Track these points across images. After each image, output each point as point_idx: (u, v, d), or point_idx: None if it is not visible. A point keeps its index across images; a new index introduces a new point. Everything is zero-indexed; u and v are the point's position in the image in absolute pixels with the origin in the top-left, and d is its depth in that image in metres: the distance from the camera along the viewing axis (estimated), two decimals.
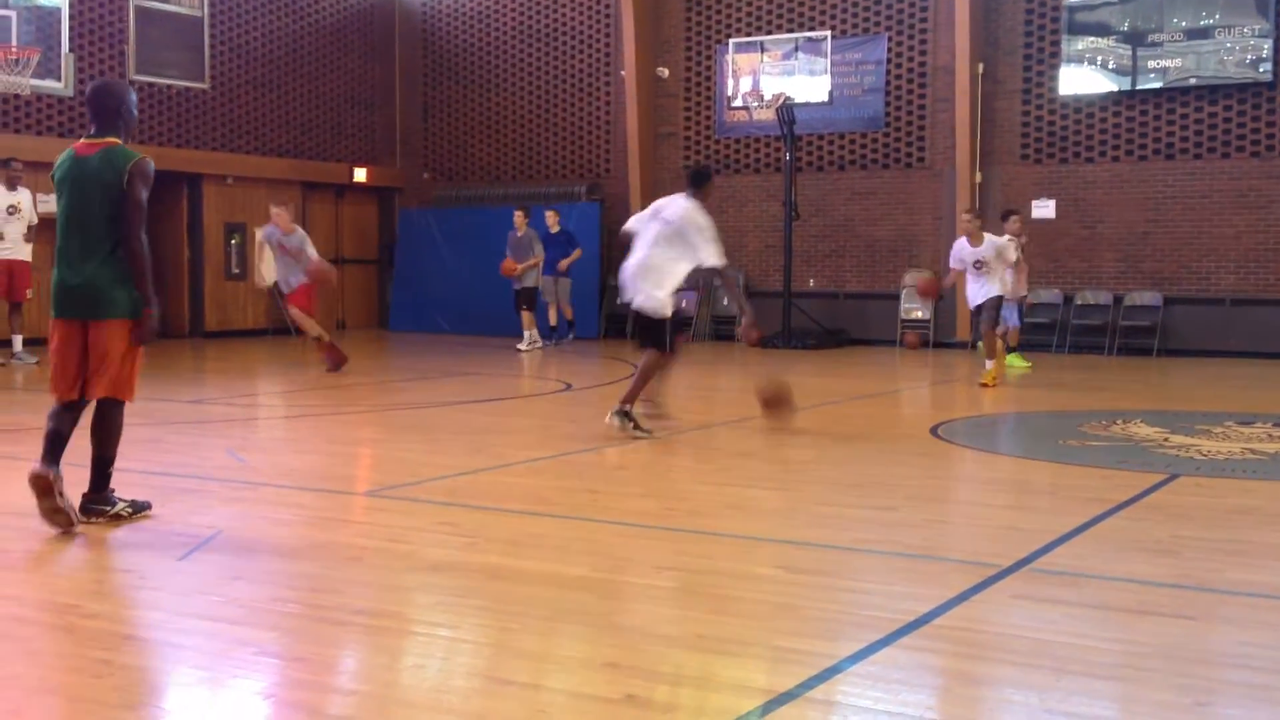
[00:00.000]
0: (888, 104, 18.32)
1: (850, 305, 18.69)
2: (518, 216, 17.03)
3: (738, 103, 19.33)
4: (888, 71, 18.30)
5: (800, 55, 18.83)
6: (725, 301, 19.24)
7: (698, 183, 9.08)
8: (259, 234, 14.88)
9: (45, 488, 5.64)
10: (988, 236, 12.67)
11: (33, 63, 15.78)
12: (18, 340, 14.17)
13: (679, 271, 8.91)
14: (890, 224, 18.35)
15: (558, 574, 4.99)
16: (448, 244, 20.80)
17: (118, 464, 6.05)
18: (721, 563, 5.24)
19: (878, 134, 18.44)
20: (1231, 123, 16.26)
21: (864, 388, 12.54)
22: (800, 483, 7.34)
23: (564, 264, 17.58)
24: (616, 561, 5.20)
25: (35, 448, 8.37)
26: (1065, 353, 16.44)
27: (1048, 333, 17.03)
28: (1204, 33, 16.21)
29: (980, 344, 13.45)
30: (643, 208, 20.80)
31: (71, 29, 17.26)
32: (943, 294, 13.99)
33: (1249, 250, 16.23)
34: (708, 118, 19.70)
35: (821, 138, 18.78)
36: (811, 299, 18.51)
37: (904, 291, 18.02)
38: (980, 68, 17.51)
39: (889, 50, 18.27)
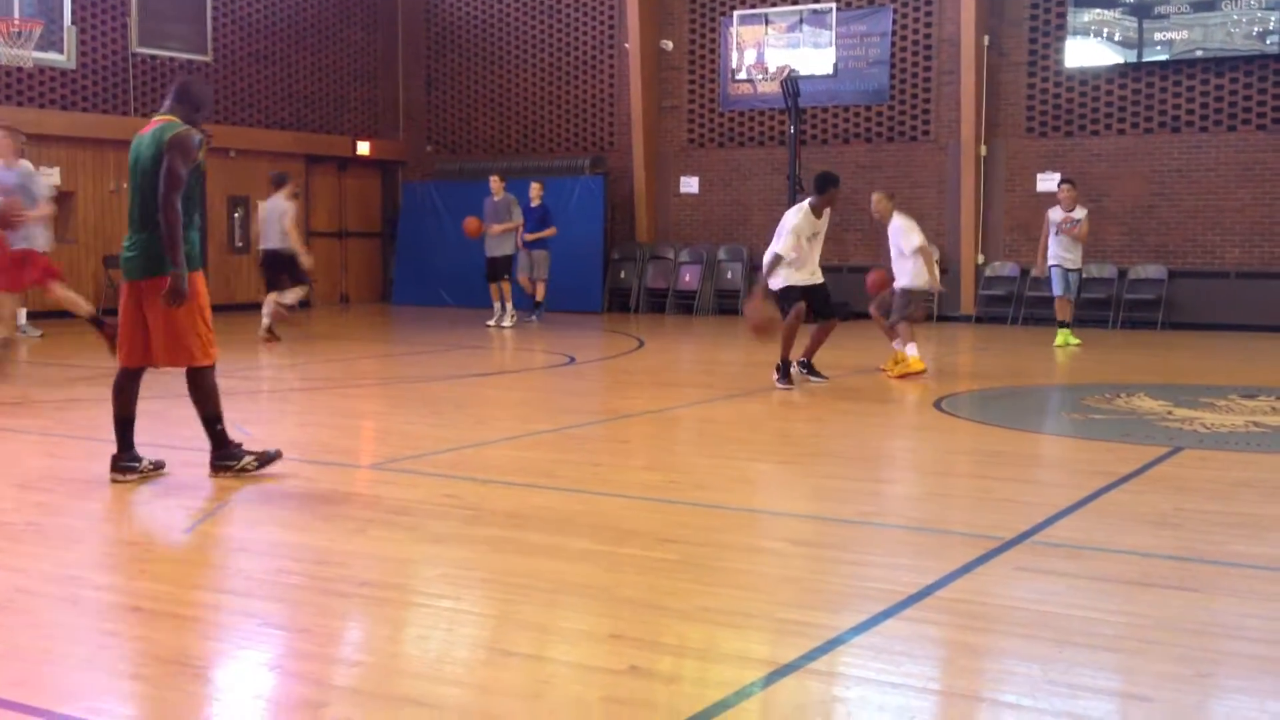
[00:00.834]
0: (893, 76, 18.25)
1: (854, 279, 18.62)
2: (494, 182, 16.78)
3: (742, 75, 19.26)
4: (893, 44, 18.21)
5: (805, 27, 18.75)
6: (729, 276, 19.21)
7: (817, 188, 10.38)
8: None
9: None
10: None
11: (35, 35, 15.73)
12: (21, 313, 14.18)
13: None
14: (896, 198, 18.25)
15: (561, 546, 5.00)
16: (451, 217, 20.75)
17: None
18: (724, 535, 5.25)
19: (882, 107, 18.37)
20: (1238, 95, 16.19)
21: (867, 361, 12.52)
22: (803, 456, 7.35)
23: (530, 236, 16.80)
24: (619, 534, 5.21)
25: (40, 420, 8.42)
26: (1069, 326, 16.39)
27: (1051, 306, 16.98)
28: (1211, 5, 16.11)
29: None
30: (646, 181, 20.74)
31: (74, 1, 17.20)
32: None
33: (1255, 223, 16.18)
34: (712, 90, 19.63)
35: (826, 110, 18.71)
36: None
37: None
38: (986, 40, 17.44)
39: (894, 22, 18.19)
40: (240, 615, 4.07)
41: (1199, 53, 16.26)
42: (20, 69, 16.65)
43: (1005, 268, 17.63)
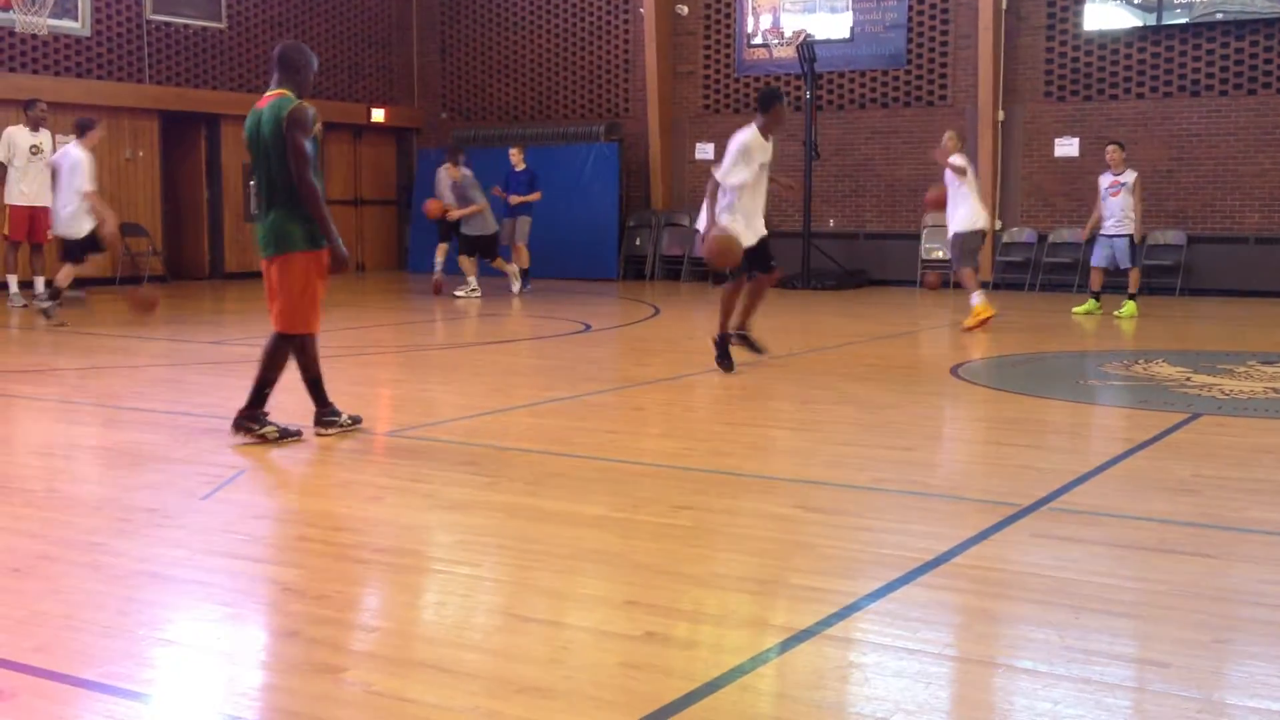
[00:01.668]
0: (909, 41, 18.11)
1: (870, 245, 18.59)
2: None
3: (758, 40, 19.14)
4: (910, 8, 18.06)
5: None
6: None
7: (762, 106, 9.52)
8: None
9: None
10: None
11: (50, 3, 15.72)
12: (39, 281, 14.21)
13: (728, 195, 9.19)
14: (911, 163, 18.19)
15: (577, 513, 5.01)
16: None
17: (139, 403, 6.09)
18: (740, 502, 5.26)
19: (899, 71, 18.24)
20: (1258, 59, 16.03)
21: (884, 328, 12.50)
22: (819, 423, 7.34)
23: (515, 199, 16.49)
24: (635, 501, 5.22)
25: (60, 388, 8.46)
26: (1087, 292, 16.31)
27: (1069, 272, 16.92)
28: None
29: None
30: (662, 147, 20.64)
31: None
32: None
33: (1275, 188, 16.05)
34: (727, 56, 19.52)
35: (842, 75, 18.59)
36: (831, 239, 18.40)
37: (924, 231, 17.91)
38: (1004, 3, 17.27)
39: None
40: (259, 581, 4.10)
41: (1219, 15, 16.09)
42: (35, 36, 16.65)
43: (1023, 234, 17.53)
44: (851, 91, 18.60)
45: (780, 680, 3.31)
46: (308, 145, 6.15)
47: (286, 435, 6.39)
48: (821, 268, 17.77)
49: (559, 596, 3.98)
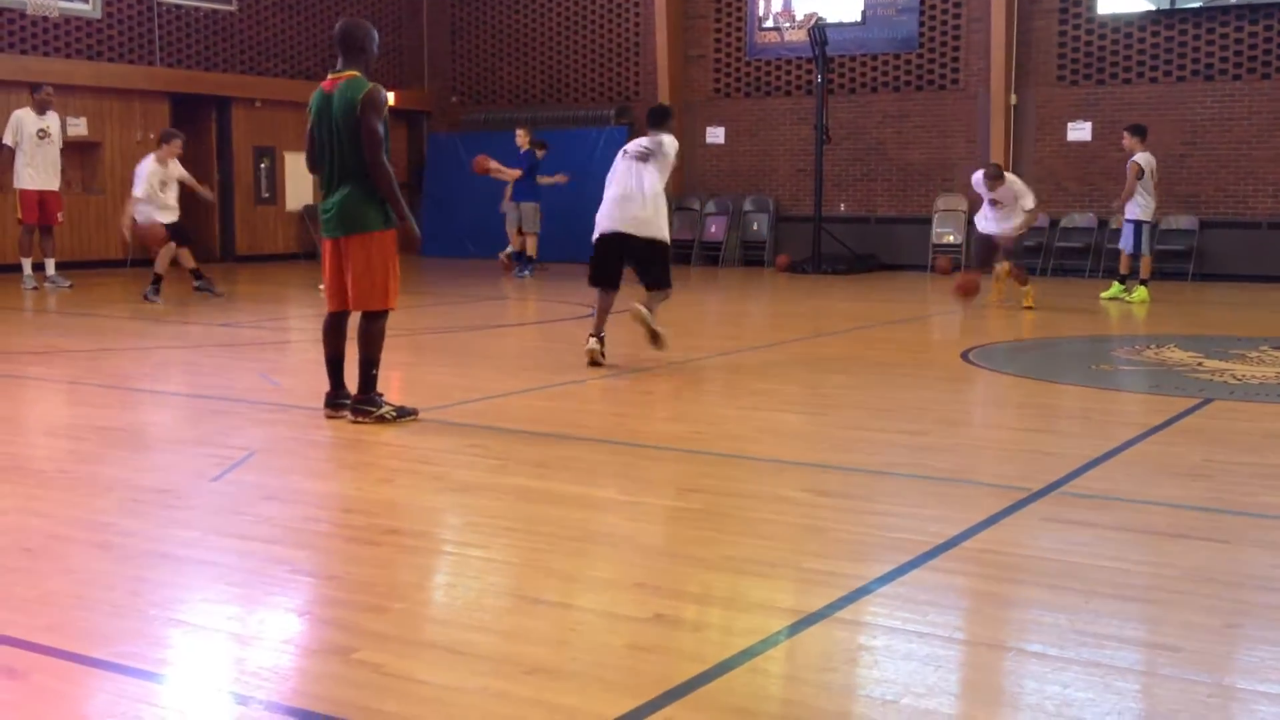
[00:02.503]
0: (921, 24, 18.03)
1: (881, 230, 18.54)
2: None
3: (769, 24, 19.07)
4: None
5: None
6: (755, 227, 19.12)
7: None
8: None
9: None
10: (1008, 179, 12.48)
11: None
12: (50, 264, 14.24)
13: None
14: (923, 147, 18.14)
15: (586, 496, 5.01)
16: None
17: (150, 384, 6.10)
18: (749, 485, 5.25)
19: (911, 55, 18.17)
20: (1272, 43, 15.93)
21: (895, 313, 12.47)
22: (829, 407, 7.33)
23: (544, 180, 16.33)
24: (644, 484, 5.22)
25: (72, 370, 8.48)
26: (1099, 277, 16.26)
27: (1080, 257, 16.88)
28: None
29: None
30: (673, 132, 20.53)
31: None
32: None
33: None
34: (738, 39, 19.45)
35: (854, 59, 18.52)
36: (842, 223, 18.36)
37: (935, 216, 17.86)
38: None
39: None
40: (269, 562, 4.11)
41: None
42: (46, 19, 16.65)
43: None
44: (863, 75, 18.53)
45: (789, 662, 3.31)
46: (381, 129, 6.24)
47: (404, 414, 6.43)
48: (833, 252, 17.73)
49: (568, 578, 3.98)
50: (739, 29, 19.42)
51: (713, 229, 19.29)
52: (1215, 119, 16.31)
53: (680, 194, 19.78)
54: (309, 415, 6.69)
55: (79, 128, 16.38)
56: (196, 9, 18.59)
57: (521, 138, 16.67)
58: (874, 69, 18.46)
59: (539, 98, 21.16)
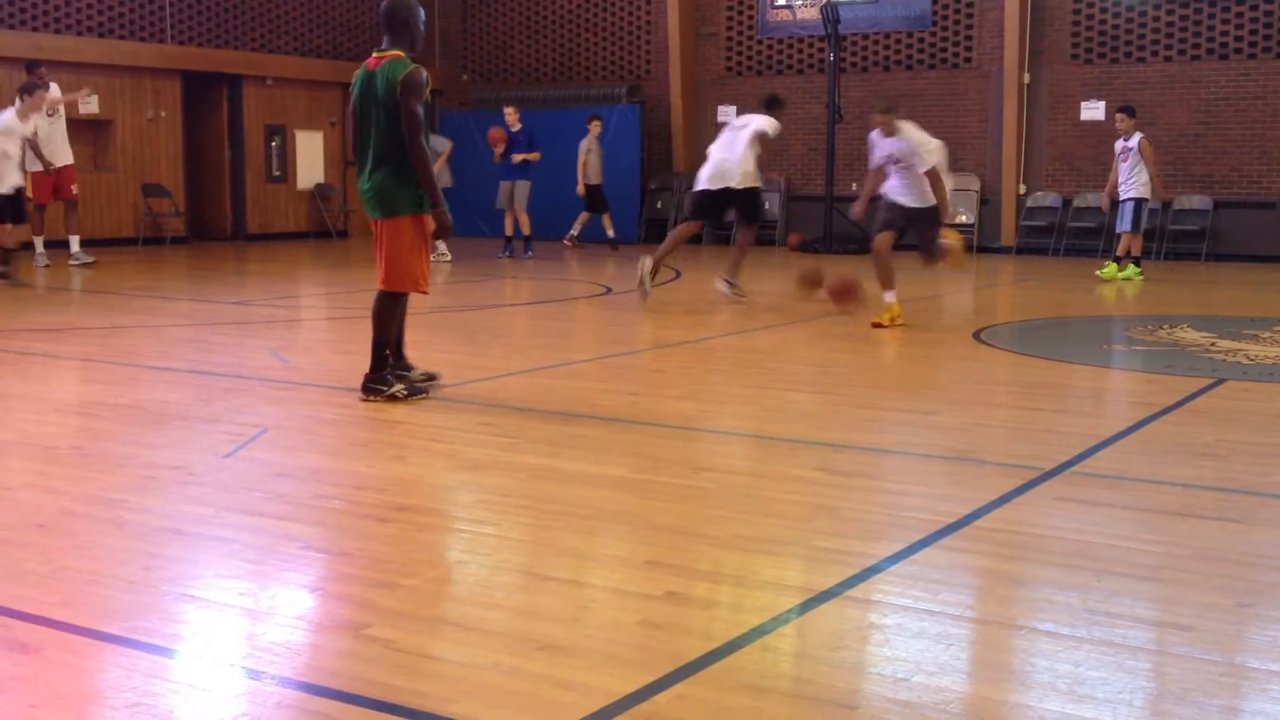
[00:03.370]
0: (935, 2, 17.94)
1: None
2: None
3: (781, 2, 18.98)
4: None
5: None
6: (767, 206, 19.06)
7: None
8: None
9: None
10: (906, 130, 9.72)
11: None
12: (74, 240, 14.18)
13: None
14: (936, 126, 17.92)
15: (598, 474, 5.01)
16: (487, 147, 20.65)
17: (162, 362, 6.11)
18: (760, 464, 5.25)
19: (924, 33, 18.08)
20: None
21: (906, 292, 12.41)
22: (840, 386, 7.32)
23: (517, 158, 16.14)
24: (656, 462, 5.22)
25: (83, 347, 8.50)
26: (1118, 260, 16.21)
27: (1093, 237, 16.81)
28: None
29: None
30: (684, 109, 20.55)
31: None
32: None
33: None
34: (750, 17, 19.37)
35: (866, 37, 18.44)
36: (854, 202, 18.27)
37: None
38: None
39: None
40: (282, 539, 4.12)
41: None
42: None
43: (1047, 198, 17.41)
44: (876, 53, 18.45)
45: (800, 640, 3.32)
46: (420, 112, 6.27)
47: (415, 393, 6.45)
48: (844, 231, 17.68)
49: (580, 556, 3.99)
50: (751, 7, 19.33)
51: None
52: (1230, 98, 16.22)
53: (692, 172, 19.72)
54: (321, 393, 6.70)
55: (90, 105, 16.35)
56: None
57: (511, 116, 16.49)
58: (886, 47, 18.37)
59: (550, 76, 21.10)
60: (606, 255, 16.89)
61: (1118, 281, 13.44)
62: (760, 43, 19.31)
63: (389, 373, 6.49)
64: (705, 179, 11.31)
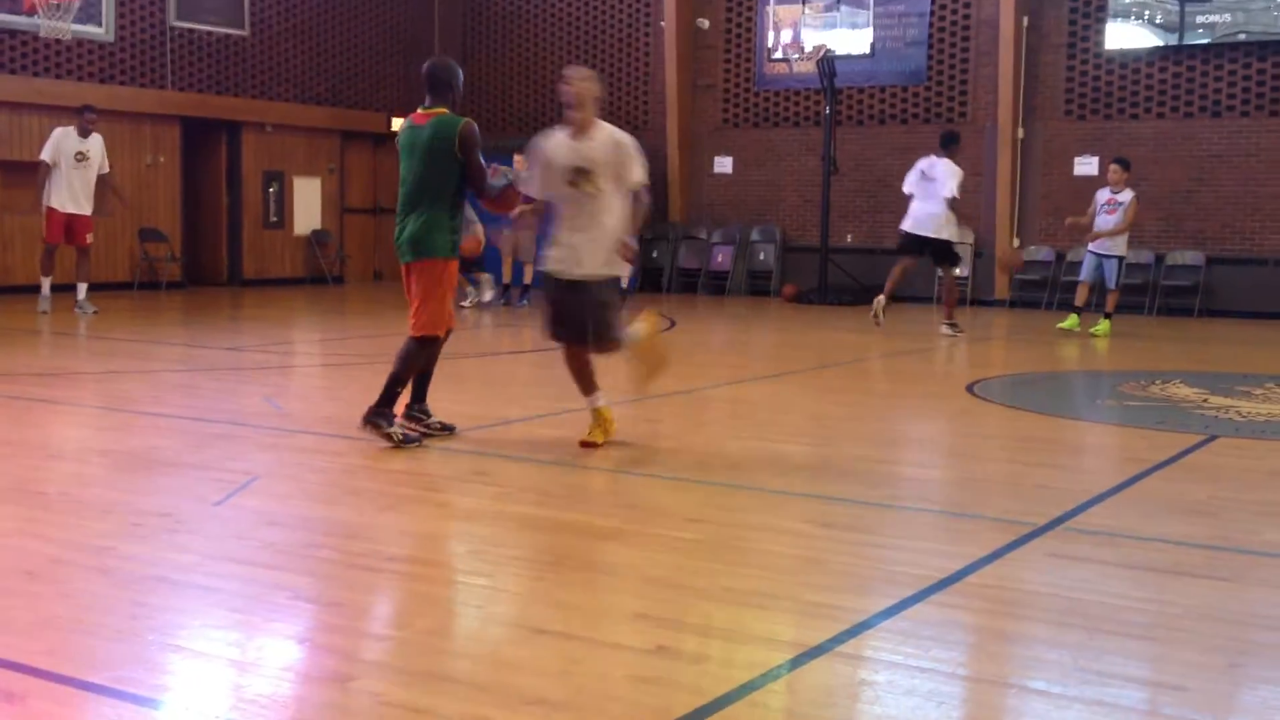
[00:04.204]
0: (930, 57, 18.11)
1: (888, 261, 18.48)
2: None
3: (778, 55, 19.15)
4: (931, 24, 18.06)
5: (842, 7, 18.61)
6: (762, 257, 19.15)
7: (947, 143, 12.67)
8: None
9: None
10: None
11: (74, 8, 15.80)
12: (82, 289, 14.10)
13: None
14: None
15: (589, 525, 5.00)
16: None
17: (154, 408, 6.10)
18: (752, 516, 5.24)
19: (919, 88, 18.23)
20: None
21: (900, 344, 12.46)
22: (833, 438, 7.32)
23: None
24: (647, 513, 5.20)
25: (77, 393, 8.49)
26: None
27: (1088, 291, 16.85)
28: None
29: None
30: (681, 160, 20.64)
31: None
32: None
33: None
34: (748, 70, 19.53)
35: (862, 91, 18.59)
36: (849, 254, 18.37)
37: None
38: (1025, 21, 17.26)
39: (933, 2, 18.02)
40: (270, 588, 4.09)
41: (1241, 36, 16.05)
42: (59, 41, 16.73)
43: (1041, 252, 17.48)
44: (871, 107, 18.59)
45: (790, 697, 3.29)
46: (483, 161, 6.65)
47: (409, 441, 6.47)
48: (839, 283, 17.74)
49: (570, 608, 3.97)
50: (748, 60, 19.50)
51: (719, 258, 19.32)
52: (1223, 155, 16.34)
53: (687, 222, 19.82)
54: (314, 440, 6.69)
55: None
56: (209, 33, 18.70)
57: (521, 164, 16.46)
58: (882, 101, 18.52)
59: (549, 124, 21.14)
60: None
61: (1090, 336, 13.41)
62: (757, 95, 19.46)
63: (399, 414, 6.56)
64: (909, 223, 13.06)
